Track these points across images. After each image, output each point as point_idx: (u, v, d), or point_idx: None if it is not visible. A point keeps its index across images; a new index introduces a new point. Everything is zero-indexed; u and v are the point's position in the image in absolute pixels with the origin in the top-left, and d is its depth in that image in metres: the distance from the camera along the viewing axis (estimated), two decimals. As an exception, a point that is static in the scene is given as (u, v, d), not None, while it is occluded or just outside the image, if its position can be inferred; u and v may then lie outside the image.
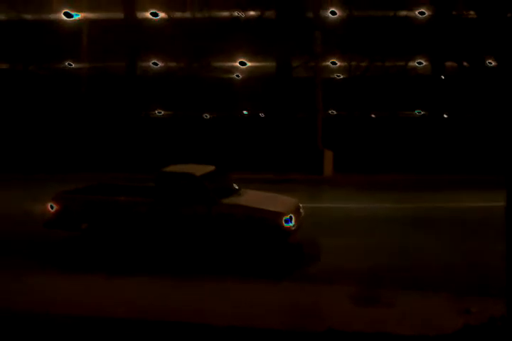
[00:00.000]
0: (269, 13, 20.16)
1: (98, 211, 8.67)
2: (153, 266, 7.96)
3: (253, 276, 7.33)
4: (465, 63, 21.19)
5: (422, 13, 20.93)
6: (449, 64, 21.70)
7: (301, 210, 9.01)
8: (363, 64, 20.85)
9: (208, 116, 23.25)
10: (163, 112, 23.20)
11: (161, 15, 21.11)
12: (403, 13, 20.64)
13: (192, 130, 20.75)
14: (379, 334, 5.35)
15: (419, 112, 22.90)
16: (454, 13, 20.70)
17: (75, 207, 8.78)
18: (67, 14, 20.73)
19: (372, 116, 22.48)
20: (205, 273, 7.51)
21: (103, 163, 18.77)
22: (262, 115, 23.09)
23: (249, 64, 22.51)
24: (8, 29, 20.19)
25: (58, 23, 20.89)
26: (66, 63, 22.05)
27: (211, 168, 9.20)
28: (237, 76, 23.04)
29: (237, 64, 22.47)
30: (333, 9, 20.60)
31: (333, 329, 5.43)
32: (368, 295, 6.47)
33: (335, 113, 22.72)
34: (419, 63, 22.28)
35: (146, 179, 10.97)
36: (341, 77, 22.35)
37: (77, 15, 21.05)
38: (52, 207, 8.79)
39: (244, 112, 23.64)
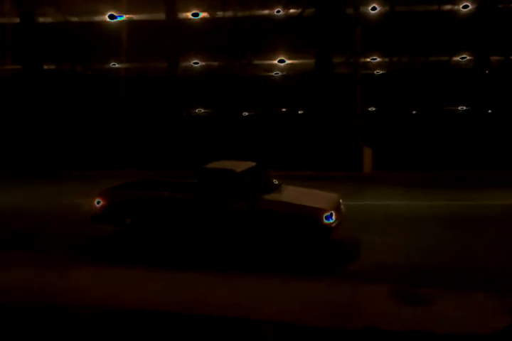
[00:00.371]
0: (309, 11, 20.11)
1: (141, 206, 8.90)
2: (194, 260, 8.12)
3: (294, 273, 7.36)
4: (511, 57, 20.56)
5: (466, 7, 20.38)
6: (493, 58, 21.07)
7: (342, 206, 9.01)
8: (405, 59, 20.49)
9: (247, 114, 23.43)
10: (203, 110, 23.54)
11: (202, 15, 21.42)
12: (447, 7, 20.16)
13: (231, 128, 21.02)
14: (419, 333, 5.32)
15: (462, 108, 22.32)
16: (499, 6, 20.10)
17: (120, 202, 9.06)
18: (111, 16, 21.34)
19: (413, 112, 22.10)
20: (245, 270, 7.58)
21: (146, 160, 19.35)
22: (300, 112, 23.08)
23: (288, 61, 22.53)
24: (55, 31, 20.98)
25: (103, 24, 21.53)
26: (110, 64, 22.70)
27: (252, 164, 9.29)
28: (276, 74, 23.10)
29: (277, 62, 22.54)
30: (374, 5, 20.33)
31: (372, 326, 5.44)
32: (409, 293, 6.42)
33: (374, 109, 22.45)
34: (463, 58, 21.70)
35: (187, 176, 11.23)
36: (381, 72, 22.04)
37: (121, 17, 21.64)
38: (98, 203, 9.11)
39: (283, 109, 23.68)
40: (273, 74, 23.03)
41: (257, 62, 21.29)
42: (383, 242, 8.94)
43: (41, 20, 21.76)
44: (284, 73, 22.74)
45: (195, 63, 22.64)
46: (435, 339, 5.18)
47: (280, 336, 5.36)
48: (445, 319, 5.70)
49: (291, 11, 20.40)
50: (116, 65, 22.74)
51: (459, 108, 22.30)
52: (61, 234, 9.96)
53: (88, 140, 20.97)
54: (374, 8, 20.40)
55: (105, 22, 21.51)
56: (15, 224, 10.82)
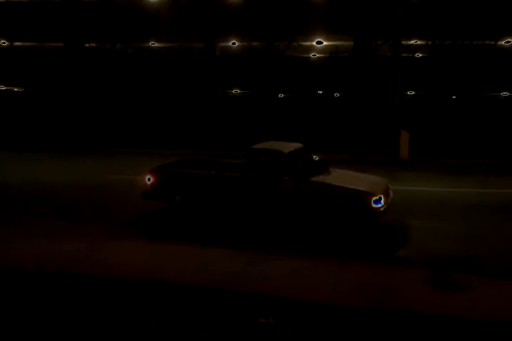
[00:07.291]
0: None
1: (191, 184, 9.11)
2: (237, 238, 8.32)
3: (339, 255, 7.45)
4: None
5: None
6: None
7: (390, 191, 9.01)
8: (448, 42, 19.98)
9: (283, 96, 23.33)
10: (239, 91, 23.57)
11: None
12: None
13: (267, 109, 20.99)
14: (454, 317, 5.34)
15: (504, 94, 21.73)
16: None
17: (170, 179, 9.28)
18: (152, -6, 21.45)
19: (454, 97, 21.63)
20: (289, 250, 7.71)
21: (182, 139, 19.56)
22: (337, 95, 22.86)
23: (326, 43, 22.26)
24: (96, 9, 21.18)
25: (143, 3, 21.65)
26: (150, 43, 22.89)
27: (299, 145, 9.36)
28: (313, 55, 22.87)
29: (314, 43, 22.29)
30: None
31: (407, 309, 5.50)
32: (448, 280, 6.46)
33: (413, 93, 22.06)
34: (508, 42, 21.04)
35: (223, 155, 11.28)
36: (422, 56, 21.56)
37: (162, -4, 21.72)
38: (149, 179, 9.37)
39: (319, 92, 23.48)
40: (310, 55, 22.81)
41: (295, 43, 21.09)
42: (427, 227, 8.94)
43: (84, -2, 22.00)
44: (321, 55, 22.46)
45: (233, 43, 22.60)
46: (471, 325, 5.19)
47: (320, 316, 5.44)
48: (483, 306, 5.69)
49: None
50: (156, 44, 22.91)
51: (501, 94, 21.75)
52: (111, 209, 10.28)
53: (126, 117, 21.29)
54: (417, -11, 19.85)
55: (146, 1, 21.62)
56: (65, 198, 11.21)
